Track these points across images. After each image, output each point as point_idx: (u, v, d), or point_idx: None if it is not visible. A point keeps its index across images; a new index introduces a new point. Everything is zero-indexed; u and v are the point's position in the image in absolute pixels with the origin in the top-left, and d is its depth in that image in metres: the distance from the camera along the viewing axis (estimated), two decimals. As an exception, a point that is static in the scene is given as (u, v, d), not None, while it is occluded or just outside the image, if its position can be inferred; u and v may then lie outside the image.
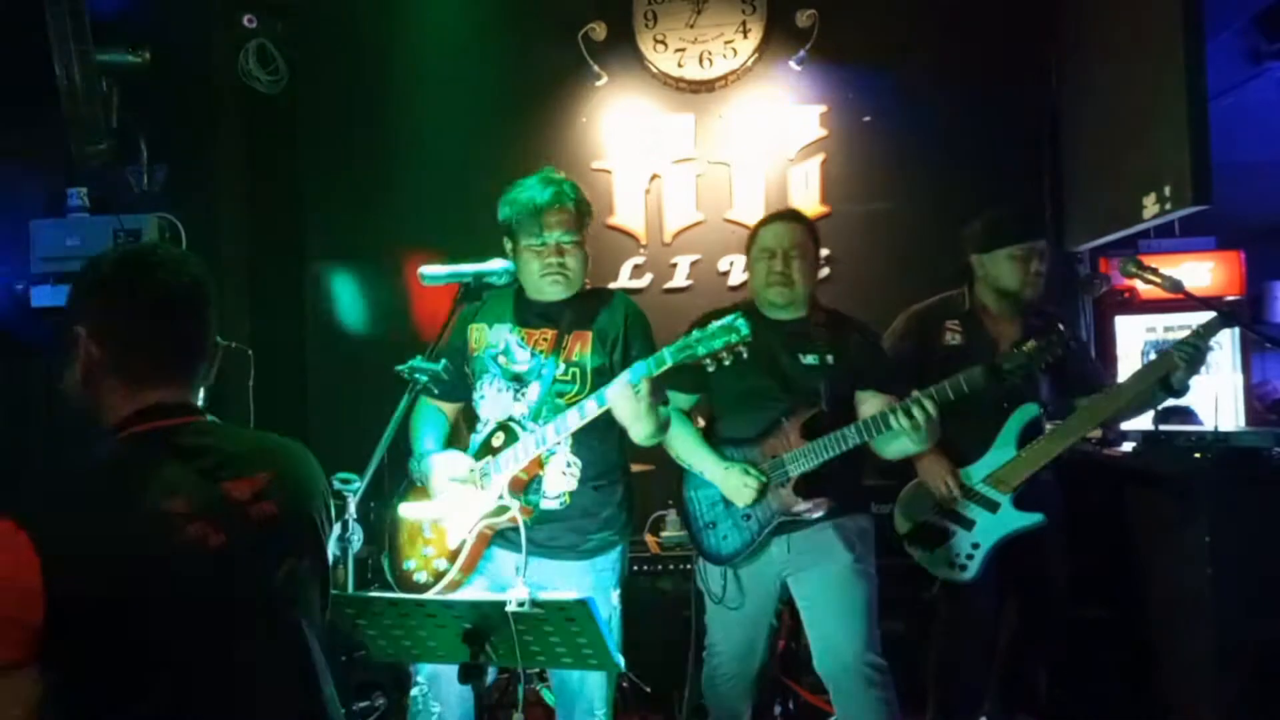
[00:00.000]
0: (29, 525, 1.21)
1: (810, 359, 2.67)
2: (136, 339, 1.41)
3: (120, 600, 1.26)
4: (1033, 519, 2.82)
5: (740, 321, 2.11)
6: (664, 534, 3.73)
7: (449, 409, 2.65)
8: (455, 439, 2.64)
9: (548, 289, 2.45)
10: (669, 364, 2.17)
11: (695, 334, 2.14)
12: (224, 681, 1.35)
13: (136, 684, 1.27)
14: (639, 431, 2.29)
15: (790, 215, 2.84)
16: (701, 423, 2.84)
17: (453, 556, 2.40)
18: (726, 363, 2.13)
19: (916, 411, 2.45)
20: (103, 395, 1.40)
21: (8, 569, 1.19)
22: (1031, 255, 2.91)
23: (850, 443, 2.56)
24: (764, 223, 2.81)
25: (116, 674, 1.27)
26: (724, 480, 2.63)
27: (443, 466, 2.42)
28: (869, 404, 2.66)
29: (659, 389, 2.22)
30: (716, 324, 2.12)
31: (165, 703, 1.28)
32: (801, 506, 2.60)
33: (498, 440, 2.40)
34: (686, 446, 2.70)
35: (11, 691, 1.19)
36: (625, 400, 2.18)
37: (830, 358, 2.67)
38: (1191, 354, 2.76)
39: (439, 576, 2.40)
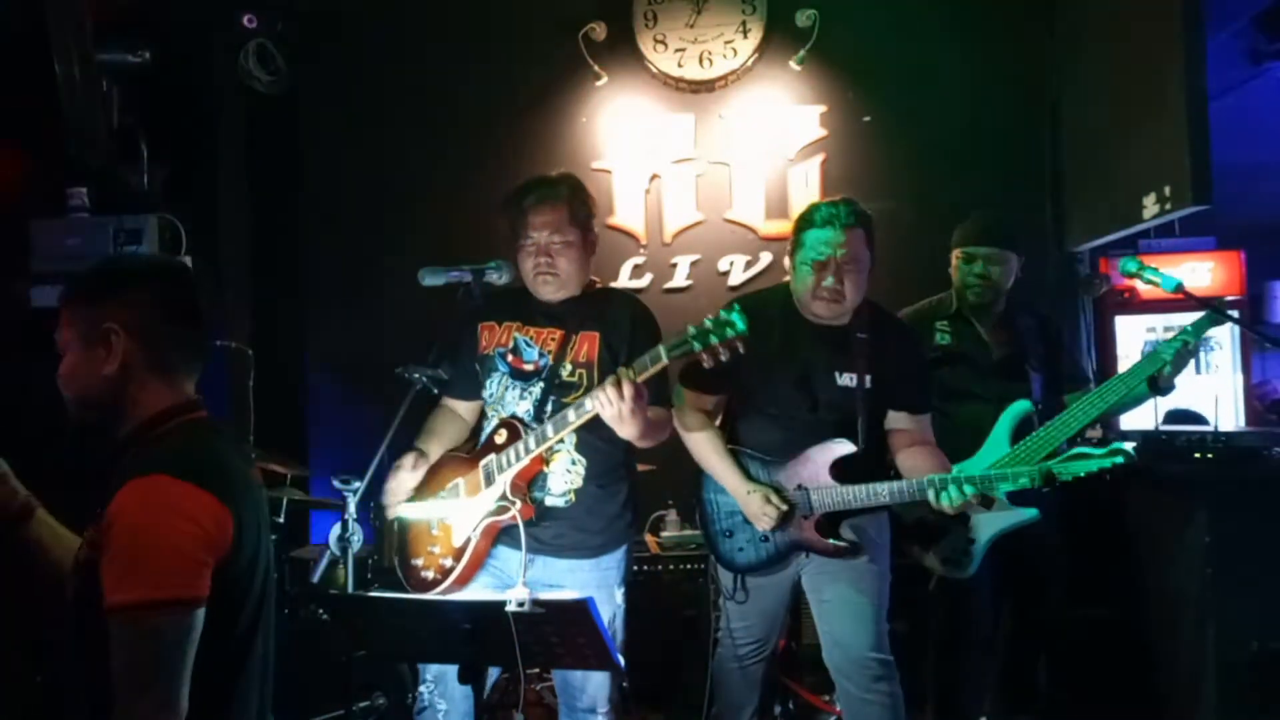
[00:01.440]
0: (206, 485, 1.43)
1: (846, 379, 2.53)
2: (176, 337, 1.58)
3: (256, 553, 1.53)
4: (1028, 514, 2.83)
5: (736, 315, 2.05)
6: (664, 534, 3.73)
7: (464, 409, 2.65)
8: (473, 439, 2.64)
9: (540, 289, 2.47)
10: (664, 361, 2.16)
11: (691, 329, 2.10)
12: (268, 637, 1.60)
13: (251, 635, 1.54)
14: (625, 433, 2.27)
15: (846, 215, 2.47)
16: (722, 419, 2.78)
17: (458, 554, 2.40)
18: (724, 359, 2.08)
19: (955, 495, 2.38)
20: (136, 389, 1.54)
21: (210, 519, 1.42)
22: (974, 259, 2.99)
23: (880, 501, 2.48)
24: (814, 223, 2.49)
25: (243, 628, 1.51)
26: (746, 502, 2.54)
27: (438, 478, 2.44)
28: (902, 432, 2.60)
29: (643, 392, 2.18)
30: (712, 319, 2.07)
31: (259, 655, 1.56)
32: (820, 545, 2.53)
33: (500, 437, 2.40)
34: (710, 455, 2.61)
35: (197, 625, 1.40)
36: (605, 406, 2.16)
37: (869, 378, 2.52)
38: (1180, 351, 2.77)
39: (446, 573, 2.40)
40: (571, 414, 2.27)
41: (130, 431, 1.54)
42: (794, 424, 2.56)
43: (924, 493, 2.42)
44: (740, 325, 2.05)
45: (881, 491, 2.46)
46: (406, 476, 2.45)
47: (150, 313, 1.55)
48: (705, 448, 2.63)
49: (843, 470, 2.50)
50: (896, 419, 2.61)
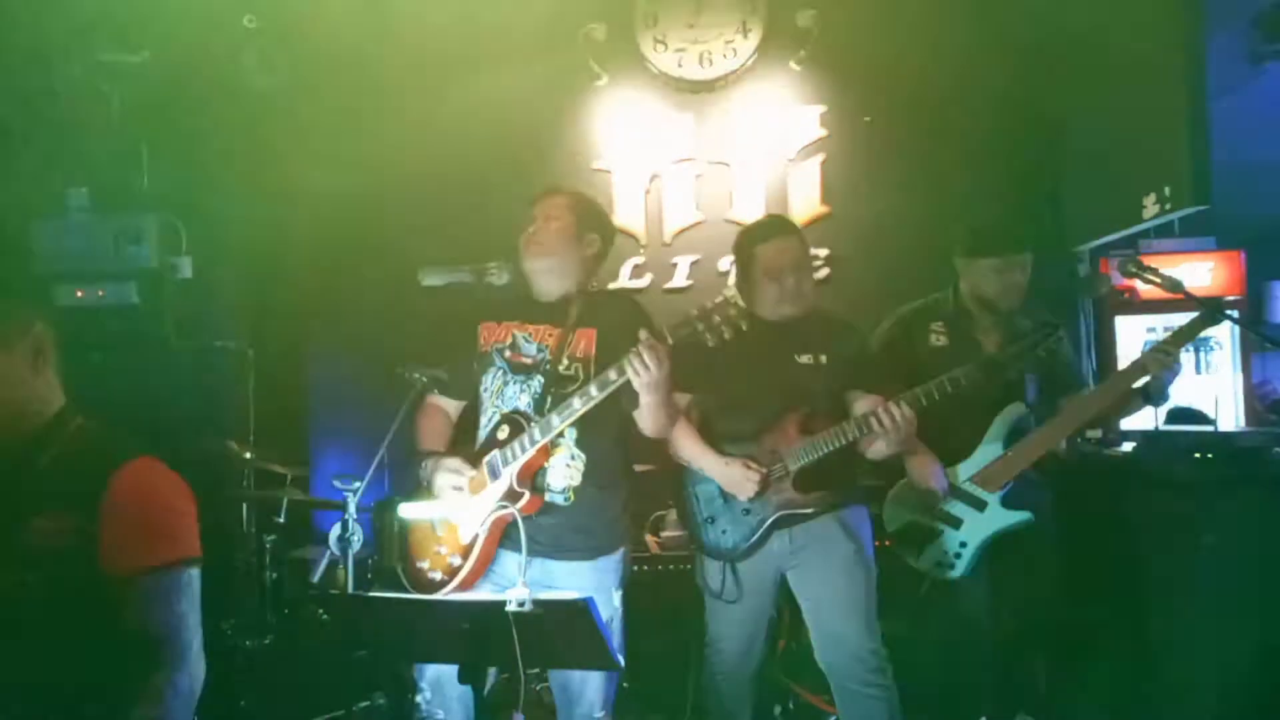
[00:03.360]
0: (166, 463, 1.68)
1: (805, 359, 2.70)
2: (56, 338, 1.74)
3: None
4: (1020, 517, 2.83)
5: (736, 295, 2.15)
6: (664, 534, 3.73)
7: (451, 407, 2.67)
8: (460, 435, 2.64)
9: (528, 265, 2.51)
10: (669, 341, 2.19)
11: (694, 310, 2.17)
12: None
13: None
14: (649, 401, 2.27)
15: (786, 228, 2.80)
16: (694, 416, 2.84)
17: (466, 551, 2.41)
18: (726, 335, 2.15)
19: (895, 412, 2.50)
20: (45, 387, 1.69)
21: (190, 492, 1.69)
22: (1011, 268, 2.89)
23: (849, 437, 2.59)
24: (760, 239, 2.76)
25: None
26: (724, 474, 2.64)
27: (444, 474, 2.43)
28: (860, 404, 2.69)
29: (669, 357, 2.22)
30: (713, 301, 2.15)
31: None
32: (801, 501, 2.61)
33: (503, 433, 2.42)
34: (685, 440, 2.71)
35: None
36: (642, 372, 2.17)
37: (824, 358, 2.70)
38: (1164, 359, 2.76)
39: (454, 572, 2.41)
40: (577, 400, 2.28)
41: (38, 430, 1.66)
42: (761, 406, 2.70)
43: (869, 423, 2.54)
44: (740, 303, 2.14)
45: (848, 428, 2.58)
46: (453, 474, 2.44)
47: (49, 314, 1.73)
48: (680, 436, 2.70)
49: (810, 431, 2.64)
50: (857, 400, 2.72)
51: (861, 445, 2.67)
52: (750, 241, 2.78)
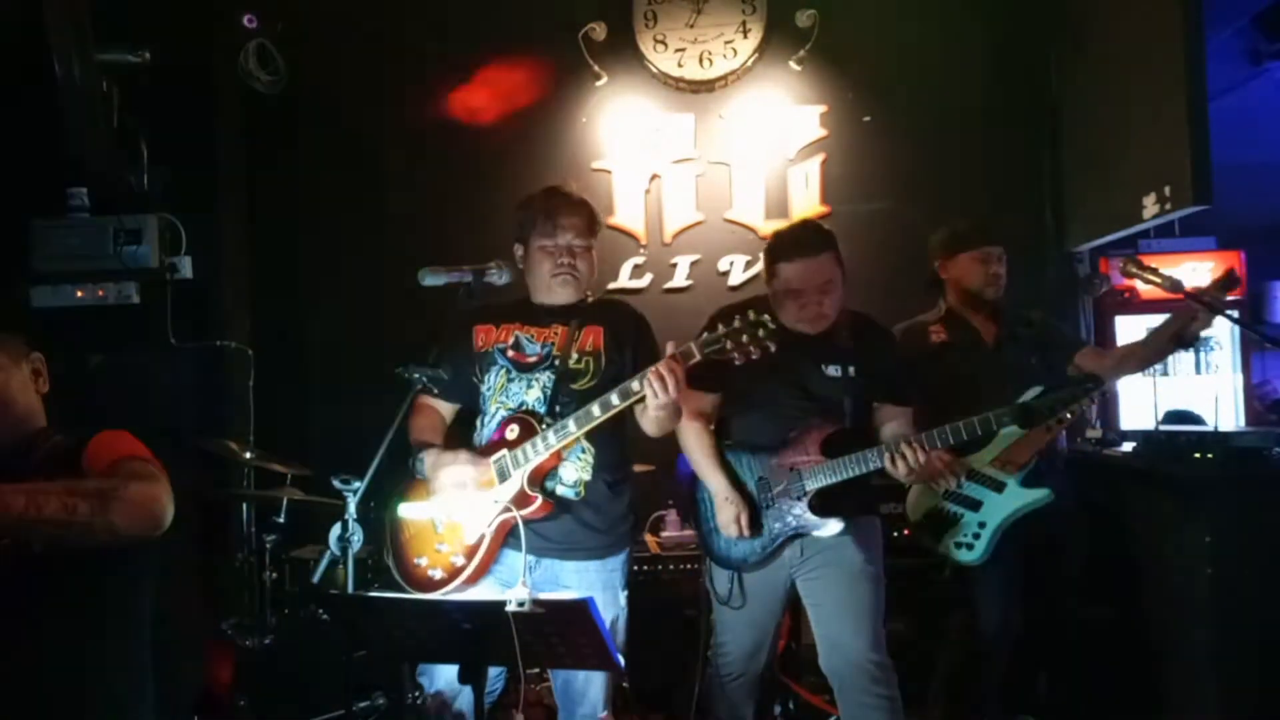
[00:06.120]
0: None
1: (833, 370, 2.62)
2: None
3: None
4: (1038, 494, 2.85)
5: (767, 317, 2.11)
6: (664, 534, 3.73)
7: (447, 409, 2.65)
8: (451, 440, 2.63)
9: (557, 289, 2.47)
10: (697, 358, 2.16)
11: (722, 328, 2.13)
12: None
13: None
14: (658, 413, 2.25)
15: (814, 247, 2.58)
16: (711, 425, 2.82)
17: (471, 552, 2.40)
18: (754, 356, 2.11)
19: (909, 455, 2.46)
20: (39, 405, 2.02)
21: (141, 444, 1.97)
22: (990, 258, 3.05)
23: (871, 465, 2.54)
24: (785, 257, 2.60)
25: None
26: (720, 507, 2.64)
27: (449, 471, 2.40)
28: (887, 420, 2.67)
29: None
30: (741, 319, 2.10)
31: None
32: (817, 525, 2.57)
33: (512, 433, 2.40)
34: (699, 454, 2.68)
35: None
36: (660, 393, 2.14)
37: (853, 369, 2.62)
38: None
39: (456, 572, 2.40)
40: (597, 408, 2.26)
41: (27, 437, 1.96)
42: (784, 415, 2.65)
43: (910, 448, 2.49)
44: (772, 326, 2.10)
45: (871, 456, 2.53)
46: (461, 471, 2.40)
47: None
48: (695, 448, 2.69)
49: (832, 449, 2.59)
50: (881, 411, 2.69)
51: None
52: (775, 256, 2.64)
